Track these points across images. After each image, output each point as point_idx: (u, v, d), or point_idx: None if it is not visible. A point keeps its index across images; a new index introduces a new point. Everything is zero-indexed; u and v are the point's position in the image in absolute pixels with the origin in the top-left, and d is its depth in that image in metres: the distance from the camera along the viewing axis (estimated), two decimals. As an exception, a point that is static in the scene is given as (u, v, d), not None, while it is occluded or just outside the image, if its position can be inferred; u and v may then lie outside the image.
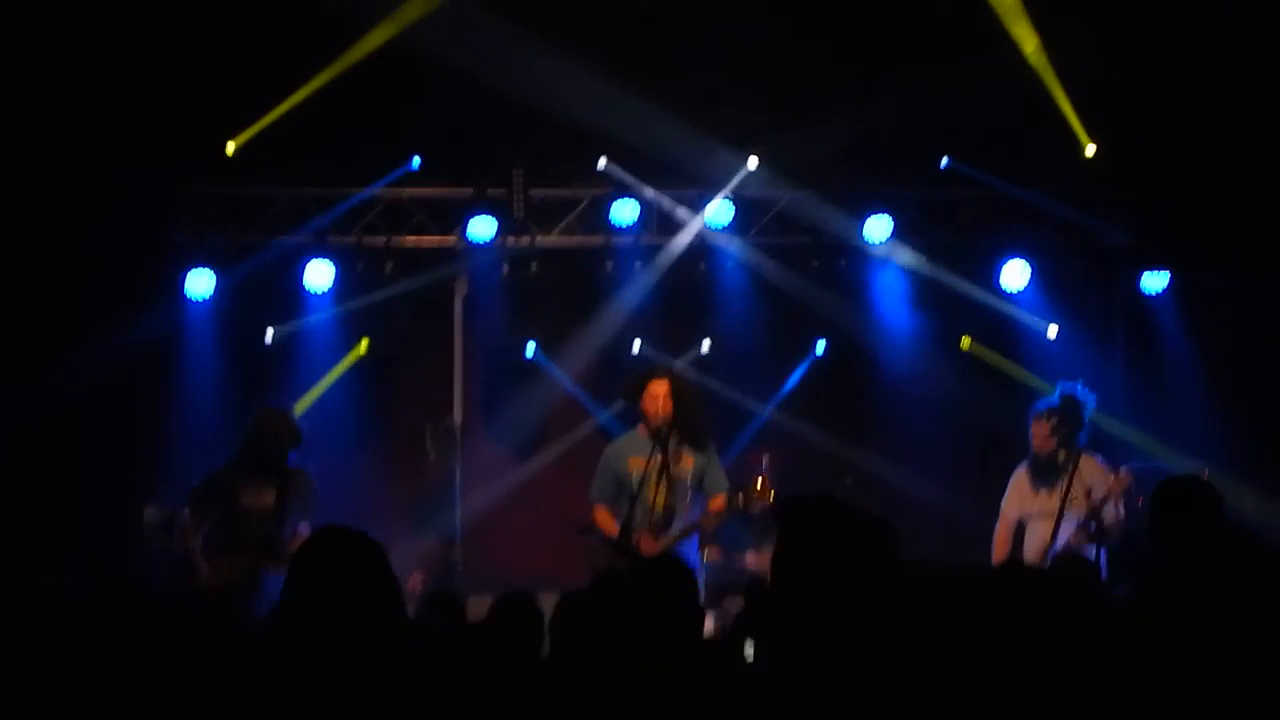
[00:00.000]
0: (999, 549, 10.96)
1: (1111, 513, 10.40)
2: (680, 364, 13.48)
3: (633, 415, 10.61)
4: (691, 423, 10.32)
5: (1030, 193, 13.37)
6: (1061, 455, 10.69)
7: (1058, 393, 10.88)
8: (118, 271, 12.77)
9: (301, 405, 12.84)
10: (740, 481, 10.50)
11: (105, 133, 12.21)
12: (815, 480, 13.00)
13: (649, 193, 13.36)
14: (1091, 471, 10.57)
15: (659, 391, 10.19)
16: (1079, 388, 10.81)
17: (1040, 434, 10.81)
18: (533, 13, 12.14)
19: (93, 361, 12.46)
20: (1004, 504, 11.12)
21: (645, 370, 10.54)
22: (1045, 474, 10.83)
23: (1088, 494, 10.41)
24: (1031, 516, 10.83)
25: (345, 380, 13.75)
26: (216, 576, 10.34)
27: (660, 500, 10.10)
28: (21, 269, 12.51)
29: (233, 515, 10.53)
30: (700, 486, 10.37)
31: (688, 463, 10.28)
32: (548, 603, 6.94)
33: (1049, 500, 10.65)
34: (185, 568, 10.52)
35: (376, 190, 13.39)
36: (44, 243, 12.53)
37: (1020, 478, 11.06)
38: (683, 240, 13.52)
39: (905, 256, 13.53)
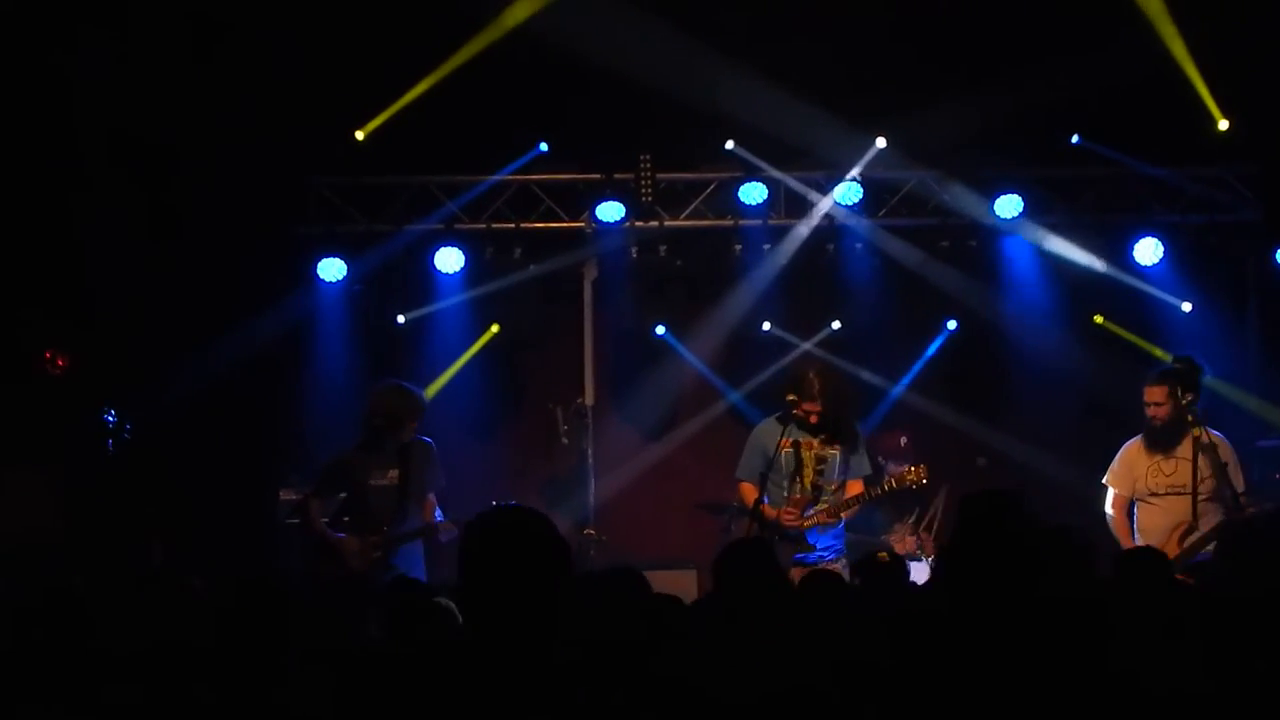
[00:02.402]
0: (1123, 533, 10.31)
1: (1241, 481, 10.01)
2: (810, 345, 13.53)
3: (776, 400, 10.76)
4: (839, 421, 10.49)
5: (1162, 169, 13.23)
6: (1178, 424, 10.09)
7: (1172, 359, 10.53)
8: (253, 262, 12.97)
9: (433, 389, 13.03)
10: (875, 462, 10.69)
11: (235, 128, 12.39)
12: (948, 459, 12.98)
13: (776, 175, 13.36)
14: (1211, 439, 10.04)
15: (811, 409, 10.36)
16: (1194, 356, 10.37)
17: (1154, 397, 10.15)
18: (658, -1, 12.19)
19: (231, 349, 12.71)
20: (1111, 478, 10.44)
21: (800, 384, 10.55)
22: (1160, 443, 10.19)
23: (1220, 467, 9.94)
24: (1146, 491, 10.21)
25: (477, 364, 13.91)
26: (348, 556, 10.51)
27: (808, 480, 10.26)
28: (156, 261, 12.74)
29: (361, 495, 10.69)
30: (846, 472, 10.55)
31: (836, 446, 10.45)
32: (680, 581, 7.04)
33: (1166, 473, 10.13)
34: (317, 550, 10.70)
35: (504, 177, 13.51)
36: (180, 235, 12.74)
37: (1132, 451, 10.36)
38: (811, 221, 13.51)
39: (1035, 235, 13.41)
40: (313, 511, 10.74)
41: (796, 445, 10.37)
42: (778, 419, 10.58)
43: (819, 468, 10.38)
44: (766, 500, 10.27)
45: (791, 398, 10.36)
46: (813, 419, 10.35)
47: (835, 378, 10.97)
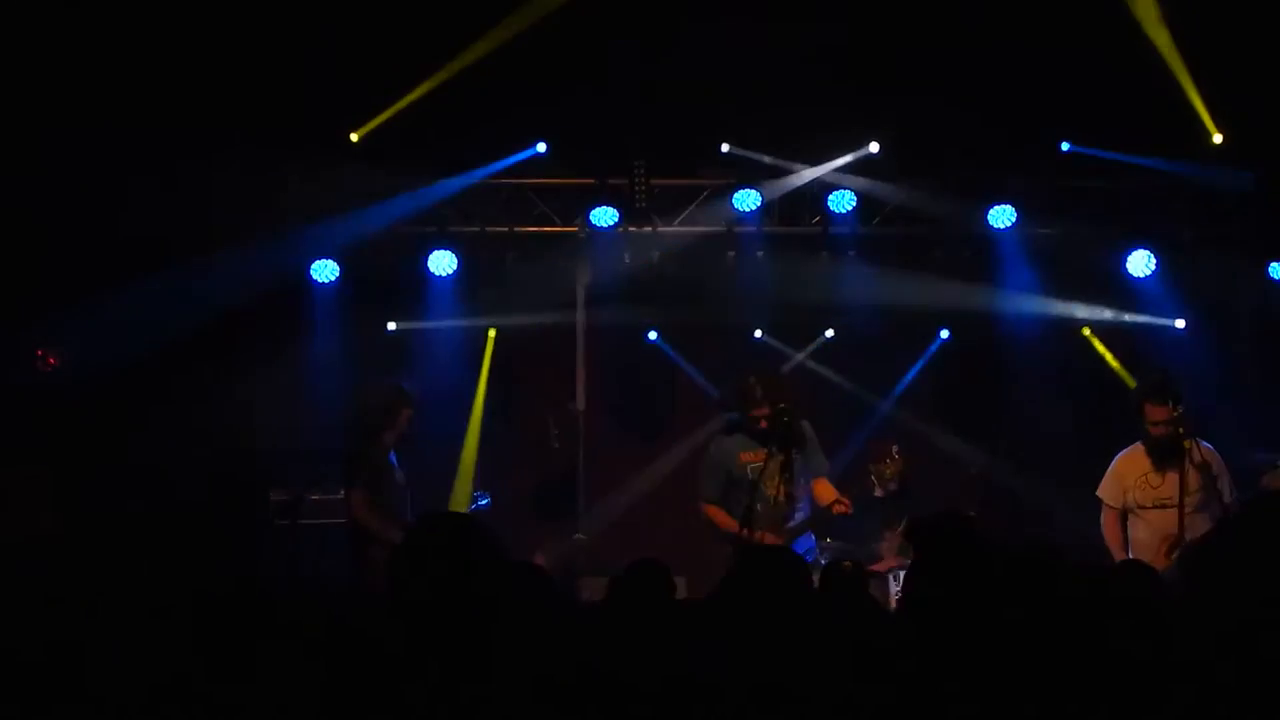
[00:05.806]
0: (1114, 540, 10.28)
1: (1230, 495, 9.92)
2: (803, 355, 13.54)
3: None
4: (789, 422, 10.32)
5: (1155, 181, 13.22)
6: (1174, 437, 9.93)
7: (1155, 374, 10.35)
8: (246, 263, 12.92)
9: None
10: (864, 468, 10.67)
11: (230, 130, 12.36)
12: (938, 468, 12.99)
13: (770, 181, 13.34)
14: (1202, 453, 9.97)
15: (760, 414, 10.36)
16: (1164, 369, 10.41)
17: (1160, 416, 9.98)
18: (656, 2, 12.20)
19: (223, 350, 12.70)
20: (1102, 491, 10.37)
21: (743, 394, 10.56)
22: (1154, 457, 10.10)
23: (1214, 479, 9.88)
24: (1134, 504, 10.17)
25: (468, 368, 13.89)
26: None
27: (781, 492, 10.16)
28: (147, 260, 12.73)
29: (391, 492, 10.68)
30: (806, 473, 10.52)
31: (793, 451, 10.38)
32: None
33: (1154, 486, 10.09)
34: (359, 538, 10.60)
35: (499, 181, 13.45)
36: (172, 235, 12.72)
37: (1121, 464, 10.33)
38: (804, 229, 13.50)
39: (1029, 246, 13.40)
40: (368, 507, 10.60)
41: (766, 459, 10.20)
42: (730, 436, 10.65)
43: (785, 475, 10.19)
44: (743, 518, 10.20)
45: (742, 411, 10.43)
46: (763, 424, 10.29)
47: (775, 379, 10.95)
